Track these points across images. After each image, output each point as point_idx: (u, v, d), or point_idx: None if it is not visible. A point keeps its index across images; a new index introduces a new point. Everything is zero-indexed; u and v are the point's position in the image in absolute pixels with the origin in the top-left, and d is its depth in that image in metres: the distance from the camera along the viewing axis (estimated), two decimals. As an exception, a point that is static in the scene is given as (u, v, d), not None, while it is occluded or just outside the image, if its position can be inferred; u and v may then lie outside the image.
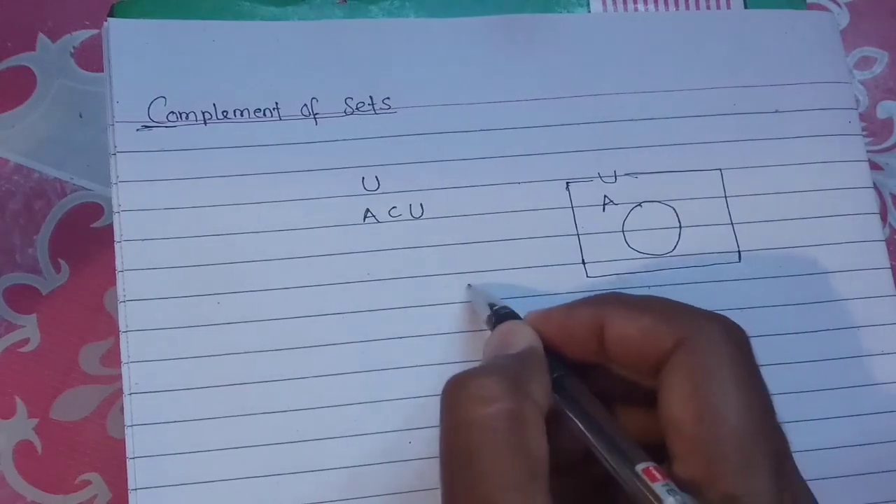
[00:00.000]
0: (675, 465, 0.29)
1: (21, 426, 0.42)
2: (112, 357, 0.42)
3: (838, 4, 0.52)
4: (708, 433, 0.29)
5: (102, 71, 0.40)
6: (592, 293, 0.36)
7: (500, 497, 0.28)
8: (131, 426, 0.36)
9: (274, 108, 0.40)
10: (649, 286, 0.40)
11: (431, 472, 0.37)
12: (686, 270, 0.40)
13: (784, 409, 0.39)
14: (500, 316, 0.36)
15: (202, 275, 0.38)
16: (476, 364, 0.38)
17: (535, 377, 0.31)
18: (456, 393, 0.30)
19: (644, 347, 0.31)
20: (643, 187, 0.41)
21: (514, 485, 0.28)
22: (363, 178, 0.40)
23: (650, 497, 0.28)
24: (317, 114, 0.40)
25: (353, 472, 0.37)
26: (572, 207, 0.40)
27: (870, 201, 0.42)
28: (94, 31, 0.47)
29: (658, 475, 0.28)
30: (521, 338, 0.33)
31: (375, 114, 0.41)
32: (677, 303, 0.32)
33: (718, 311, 0.33)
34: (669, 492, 0.28)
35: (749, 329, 0.39)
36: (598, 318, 0.32)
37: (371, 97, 0.41)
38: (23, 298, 0.44)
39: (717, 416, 0.29)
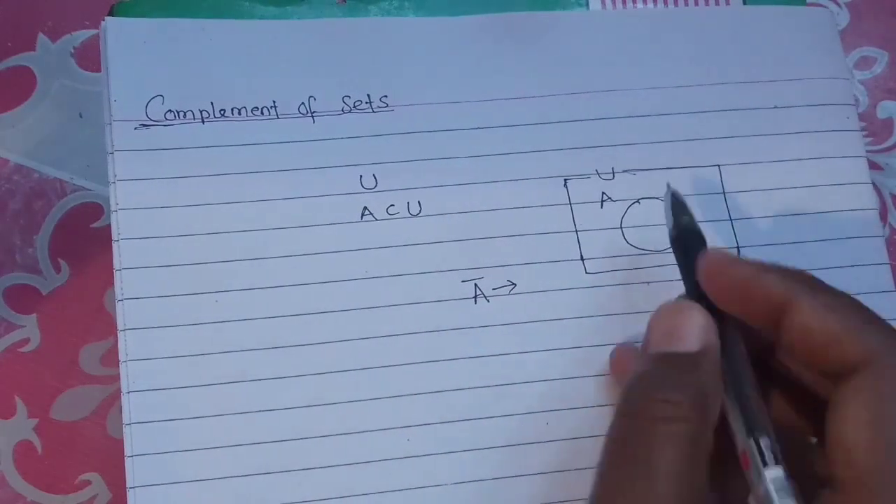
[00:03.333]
0: (835, 495, 0.28)
1: (21, 426, 0.42)
2: (112, 357, 0.42)
3: (838, 4, 0.52)
4: (879, 467, 0.28)
5: (102, 70, 0.40)
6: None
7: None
8: (129, 424, 0.36)
9: (271, 107, 0.40)
10: (648, 282, 0.40)
11: (430, 470, 0.37)
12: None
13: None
14: (685, 236, 0.36)
15: (200, 273, 0.38)
16: (475, 361, 0.38)
17: (715, 398, 0.31)
18: (645, 395, 0.31)
19: (825, 350, 0.30)
20: (641, 184, 0.41)
21: (685, 499, 0.28)
22: (361, 177, 0.40)
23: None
24: (314, 112, 0.40)
25: (351, 469, 0.37)
26: (570, 204, 0.40)
27: (868, 197, 0.42)
28: (94, 31, 0.47)
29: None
30: (697, 329, 0.32)
31: (373, 112, 0.41)
32: (873, 315, 0.30)
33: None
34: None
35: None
36: (786, 296, 0.31)
37: (369, 95, 0.41)
38: (23, 298, 0.44)
39: (894, 452, 0.28)
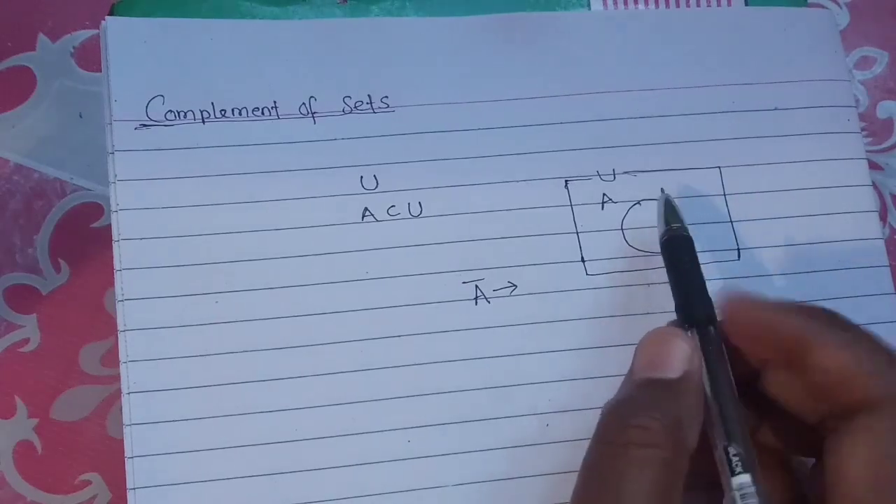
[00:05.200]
0: None
1: (21, 426, 0.42)
2: (112, 357, 0.42)
3: (838, 4, 0.52)
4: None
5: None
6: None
7: None
8: (130, 425, 0.36)
9: (272, 107, 0.40)
10: (648, 284, 0.40)
11: (430, 471, 0.37)
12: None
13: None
14: (673, 238, 0.37)
15: (200, 274, 0.38)
16: (475, 362, 0.38)
17: (693, 423, 0.32)
18: (618, 421, 0.31)
19: (841, 387, 0.31)
20: (642, 185, 0.41)
21: None
22: (361, 177, 0.40)
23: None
24: (315, 113, 0.40)
25: (351, 471, 0.37)
26: (571, 206, 0.40)
27: (868, 199, 0.42)
28: (94, 31, 0.47)
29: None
30: (680, 357, 0.33)
31: (374, 112, 0.41)
32: (890, 352, 0.31)
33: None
34: None
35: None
36: (807, 334, 0.31)
37: (369, 96, 0.41)
38: (23, 298, 0.44)
39: (893, 492, 0.29)
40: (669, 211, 0.38)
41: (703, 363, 0.33)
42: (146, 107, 0.39)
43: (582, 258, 0.40)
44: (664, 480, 0.29)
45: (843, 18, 0.52)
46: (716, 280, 0.40)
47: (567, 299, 0.39)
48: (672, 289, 0.37)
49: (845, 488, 0.29)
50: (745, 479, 0.30)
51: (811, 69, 0.43)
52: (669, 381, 0.32)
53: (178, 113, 0.39)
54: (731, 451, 0.31)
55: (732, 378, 0.33)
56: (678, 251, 0.37)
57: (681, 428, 0.31)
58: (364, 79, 0.41)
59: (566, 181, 0.41)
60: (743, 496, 0.30)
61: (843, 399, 0.30)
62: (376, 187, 0.40)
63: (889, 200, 0.49)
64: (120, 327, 0.37)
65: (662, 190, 0.40)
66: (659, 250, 0.38)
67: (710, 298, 0.35)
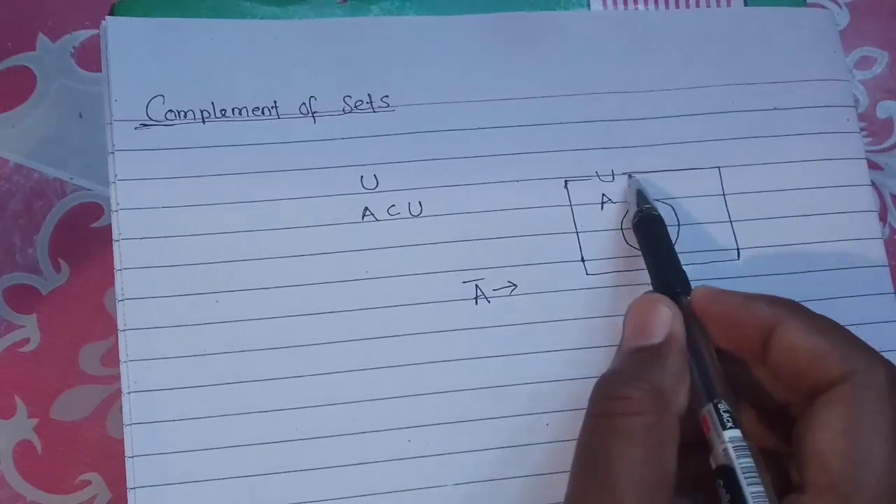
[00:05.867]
0: (806, 496, 0.30)
1: (21, 426, 0.42)
2: (112, 357, 0.42)
3: (838, 4, 0.52)
4: (852, 474, 0.29)
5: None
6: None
7: (629, 501, 0.29)
8: (130, 425, 0.36)
9: (272, 107, 0.40)
10: (648, 283, 0.39)
11: (429, 471, 0.37)
12: (685, 268, 0.39)
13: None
14: (644, 218, 0.38)
15: (201, 273, 0.38)
16: (475, 361, 0.38)
17: (680, 385, 0.32)
18: (603, 395, 0.32)
19: (808, 367, 0.32)
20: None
21: (644, 491, 0.29)
22: (362, 177, 0.40)
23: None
24: (315, 112, 0.40)
25: (350, 470, 0.37)
26: (571, 206, 0.40)
27: (868, 199, 0.42)
28: (94, 31, 0.47)
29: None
30: (662, 322, 0.34)
31: (374, 112, 0.41)
32: (853, 335, 0.32)
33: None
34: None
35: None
36: (773, 319, 0.33)
37: (369, 95, 0.41)
38: (23, 298, 0.44)
39: (866, 461, 0.29)
40: (640, 195, 0.39)
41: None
42: (146, 107, 0.39)
43: (582, 258, 0.40)
44: (652, 446, 0.30)
45: (843, 18, 0.52)
46: (717, 280, 0.40)
47: (567, 299, 0.39)
48: (646, 265, 0.38)
49: (821, 462, 0.30)
50: (735, 433, 0.31)
51: (811, 69, 0.43)
52: (653, 347, 0.33)
53: (179, 113, 0.39)
54: (722, 407, 0.32)
55: (712, 347, 0.34)
56: (649, 229, 0.38)
57: (666, 392, 0.31)
58: (364, 78, 0.41)
59: (566, 181, 0.41)
60: (735, 448, 0.31)
61: (812, 376, 0.31)
62: (376, 187, 0.40)
63: (889, 200, 0.49)
64: (120, 327, 0.37)
65: (630, 175, 0.41)
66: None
67: (682, 269, 0.36)
